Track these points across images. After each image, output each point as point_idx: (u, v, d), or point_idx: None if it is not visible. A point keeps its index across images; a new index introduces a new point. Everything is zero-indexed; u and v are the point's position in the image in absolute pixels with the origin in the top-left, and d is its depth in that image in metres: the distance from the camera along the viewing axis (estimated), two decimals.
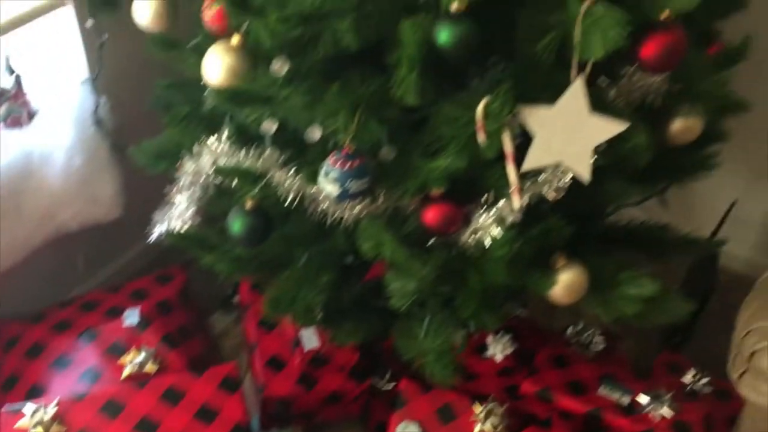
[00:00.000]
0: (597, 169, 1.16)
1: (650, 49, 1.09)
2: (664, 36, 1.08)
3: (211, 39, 1.25)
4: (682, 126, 1.26)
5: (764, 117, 1.54)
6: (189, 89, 1.48)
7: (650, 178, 1.33)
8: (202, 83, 1.26)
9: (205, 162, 1.38)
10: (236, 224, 1.30)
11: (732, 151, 1.50)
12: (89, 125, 1.69)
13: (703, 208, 1.84)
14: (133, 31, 1.39)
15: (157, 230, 1.49)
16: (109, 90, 1.74)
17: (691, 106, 1.25)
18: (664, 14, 1.07)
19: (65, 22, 1.67)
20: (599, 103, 1.14)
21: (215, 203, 1.44)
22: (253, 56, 1.17)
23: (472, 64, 1.18)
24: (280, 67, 1.15)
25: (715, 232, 1.87)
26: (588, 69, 1.10)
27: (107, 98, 1.74)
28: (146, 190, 1.54)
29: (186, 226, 1.44)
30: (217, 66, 1.15)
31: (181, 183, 1.45)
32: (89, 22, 1.60)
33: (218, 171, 1.31)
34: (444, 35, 1.06)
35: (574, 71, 1.11)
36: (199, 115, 1.44)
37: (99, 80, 1.71)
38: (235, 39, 1.15)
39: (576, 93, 1.11)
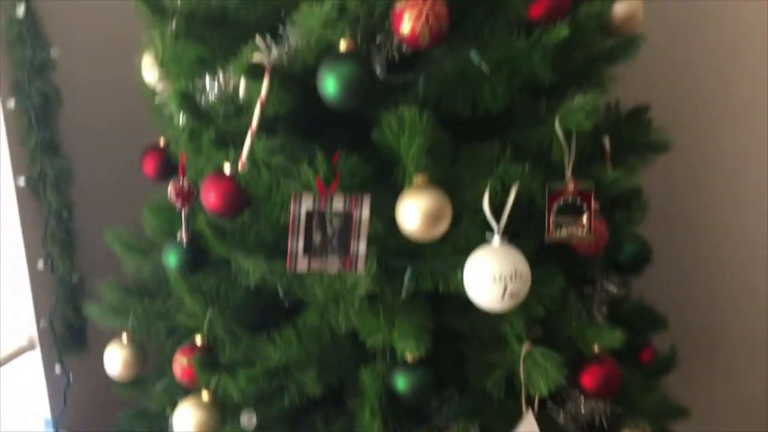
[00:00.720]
0: None
1: (588, 380, 1.20)
2: (599, 368, 1.20)
3: (178, 384, 1.31)
4: None
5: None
6: (153, 421, 1.50)
7: None
8: (166, 415, 1.29)
9: None
10: None
11: None
12: None
13: None
14: (97, 369, 1.43)
15: None
16: (70, 426, 1.75)
17: (636, 420, 1.33)
18: (595, 349, 1.20)
19: (31, 364, 1.72)
20: (551, 429, 1.22)
21: None
22: (222, 408, 1.23)
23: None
24: (248, 419, 1.21)
25: None
26: (536, 402, 1.19)
27: None
28: None
29: None
30: (188, 422, 1.19)
31: None
32: (57, 368, 1.66)
33: None
34: (401, 383, 1.15)
35: (524, 403, 1.19)
36: None
37: (62, 418, 1.73)
38: (205, 395, 1.20)
39: (528, 425, 1.19)
